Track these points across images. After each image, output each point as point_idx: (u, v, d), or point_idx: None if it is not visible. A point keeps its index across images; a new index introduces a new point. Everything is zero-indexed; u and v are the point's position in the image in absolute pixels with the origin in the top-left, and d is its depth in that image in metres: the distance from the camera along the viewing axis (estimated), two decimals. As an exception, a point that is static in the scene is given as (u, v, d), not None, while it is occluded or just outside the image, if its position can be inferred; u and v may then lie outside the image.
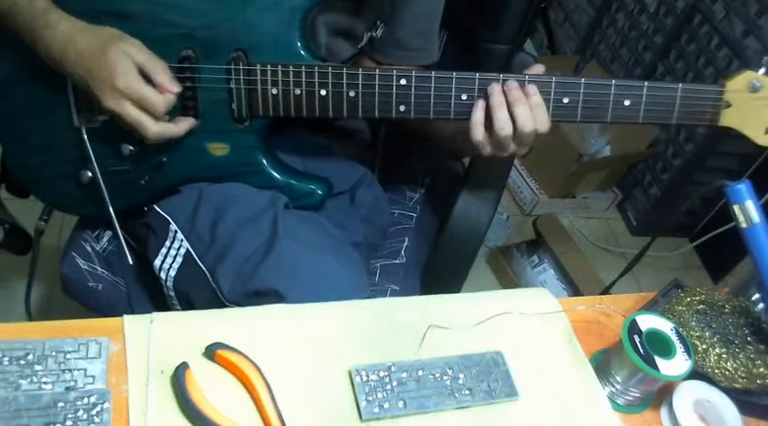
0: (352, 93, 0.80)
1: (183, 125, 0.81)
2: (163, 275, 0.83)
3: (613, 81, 0.78)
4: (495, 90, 0.78)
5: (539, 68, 0.80)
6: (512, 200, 2.27)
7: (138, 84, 0.75)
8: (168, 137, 0.80)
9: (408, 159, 1.16)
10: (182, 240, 0.83)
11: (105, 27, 0.77)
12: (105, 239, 1.00)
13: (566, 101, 0.79)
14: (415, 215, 1.11)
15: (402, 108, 0.80)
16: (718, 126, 0.79)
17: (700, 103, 0.78)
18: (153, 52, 0.77)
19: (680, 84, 0.78)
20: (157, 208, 0.85)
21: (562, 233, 1.94)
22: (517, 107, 0.77)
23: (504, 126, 0.78)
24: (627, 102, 0.78)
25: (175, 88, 0.77)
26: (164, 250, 0.83)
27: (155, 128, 0.77)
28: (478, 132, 0.80)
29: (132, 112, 0.75)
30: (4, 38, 0.79)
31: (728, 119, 0.79)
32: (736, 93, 0.78)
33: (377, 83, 0.79)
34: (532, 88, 0.78)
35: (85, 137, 0.84)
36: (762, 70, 0.77)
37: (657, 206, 2.14)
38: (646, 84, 0.78)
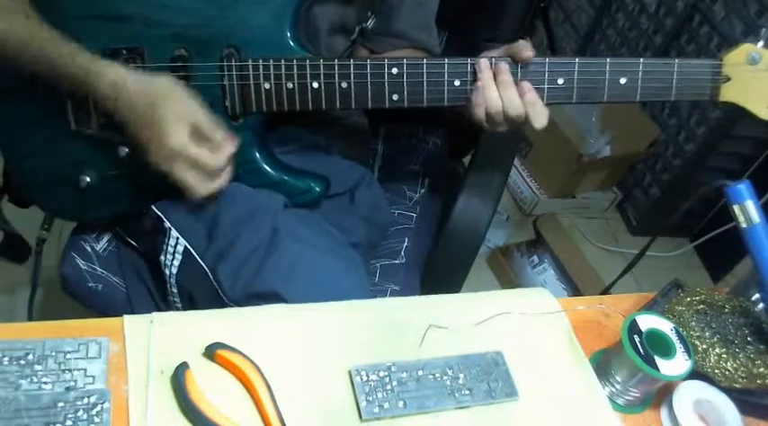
0: (344, 85, 0.80)
1: (226, 176, 0.80)
2: (167, 272, 0.84)
3: (608, 59, 0.77)
4: (483, 65, 0.77)
5: (525, 48, 0.78)
6: (512, 200, 2.27)
7: (189, 147, 0.74)
8: (213, 192, 0.79)
9: (408, 159, 1.16)
10: (177, 238, 0.83)
11: (157, 79, 0.75)
12: (105, 239, 1.00)
13: (561, 82, 0.78)
14: (415, 215, 1.11)
15: (395, 97, 0.80)
16: (719, 101, 0.77)
17: (698, 78, 0.77)
18: (150, 51, 0.77)
19: (676, 60, 0.76)
20: (153, 208, 0.86)
21: (562, 233, 1.94)
22: (504, 91, 0.77)
23: (494, 103, 0.77)
24: (623, 80, 0.77)
25: (231, 146, 0.77)
26: (164, 247, 0.84)
27: (203, 192, 0.77)
28: (479, 111, 0.79)
29: (183, 174, 0.75)
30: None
31: (729, 93, 0.77)
32: (735, 67, 0.76)
33: (368, 72, 0.79)
34: (527, 85, 0.77)
35: (83, 141, 0.84)
36: (760, 42, 0.75)
37: (657, 206, 2.14)
38: (641, 60, 0.77)
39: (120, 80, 0.74)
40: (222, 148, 0.76)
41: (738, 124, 1.83)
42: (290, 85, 0.80)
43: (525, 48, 0.77)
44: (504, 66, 0.77)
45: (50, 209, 0.95)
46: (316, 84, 0.80)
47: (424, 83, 0.79)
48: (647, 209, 2.19)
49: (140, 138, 0.75)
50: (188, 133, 0.74)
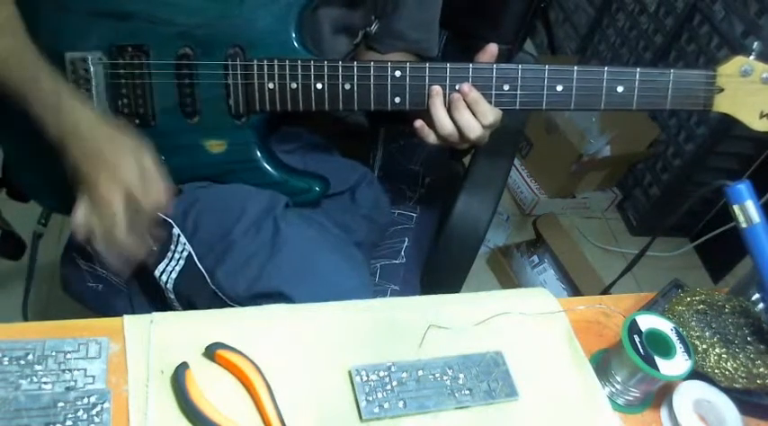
0: (347, 86, 0.80)
1: (142, 251, 0.76)
2: (164, 278, 0.83)
3: (606, 68, 0.78)
4: (434, 91, 0.79)
5: (492, 50, 0.80)
6: (512, 200, 2.27)
7: (136, 183, 0.72)
8: (122, 250, 0.74)
9: (408, 159, 1.16)
10: (185, 243, 0.83)
11: (107, 129, 0.74)
12: (105, 239, 1.00)
13: (559, 88, 0.79)
14: (415, 215, 1.11)
15: (397, 100, 0.81)
16: (713, 111, 0.79)
17: (692, 88, 0.79)
18: (155, 49, 0.76)
19: (672, 70, 0.78)
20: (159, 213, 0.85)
21: (562, 233, 1.94)
22: (456, 112, 0.79)
23: (442, 125, 0.79)
24: (620, 89, 0.79)
25: (166, 196, 0.75)
26: (168, 253, 0.83)
27: (124, 238, 0.73)
28: (431, 138, 0.81)
29: (119, 208, 0.72)
30: None
31: (722, 104, 0.79)
32: (728, 78, 0.78)
33: (372, 75, 0.80)
34: (466, 86, 0.78)
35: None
36: (753, 55, 0.77)
37: (657, 206, 2.14)
38: (638, 70, 0.78)
39: (79, 124, 0.73)
40: (157, 198, 0.74)
41: (738, 124, 1.83)
42: (293, 86, 0.81)
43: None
44: (455, 94, 0.78)
45: (50, 205, 0.95)
46: (319, 86, 0.80)
47: (426, 86, 0.80)
48: (647, 209, 2.19)
49: (91, 161, 0.73)
50: (137, 174, 0.72)
